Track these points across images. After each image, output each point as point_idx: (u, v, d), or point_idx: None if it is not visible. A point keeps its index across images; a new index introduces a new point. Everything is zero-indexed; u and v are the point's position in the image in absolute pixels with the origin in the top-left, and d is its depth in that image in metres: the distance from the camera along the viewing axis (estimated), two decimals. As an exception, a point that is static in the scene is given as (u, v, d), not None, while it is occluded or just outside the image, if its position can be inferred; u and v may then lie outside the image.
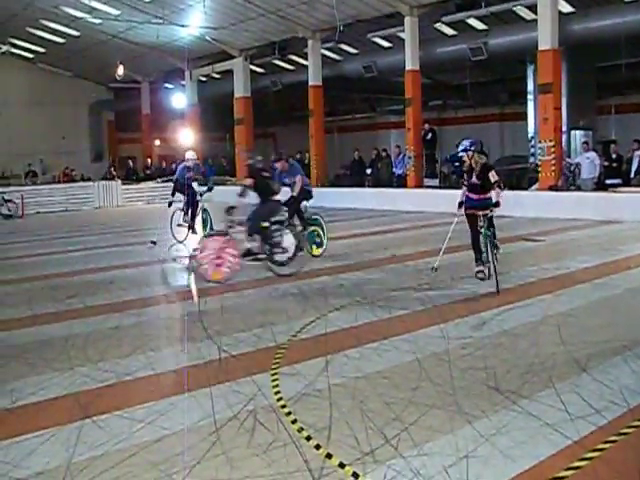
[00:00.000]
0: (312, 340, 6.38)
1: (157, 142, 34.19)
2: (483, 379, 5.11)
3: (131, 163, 32.31)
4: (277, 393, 4.92)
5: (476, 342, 6.12)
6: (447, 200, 18.94)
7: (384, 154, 24.40)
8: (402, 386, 5.01)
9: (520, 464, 3.73)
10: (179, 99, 30.83)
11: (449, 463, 3.76)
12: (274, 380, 5.21)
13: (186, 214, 13.32)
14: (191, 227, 13.28)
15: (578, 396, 4.69)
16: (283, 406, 4.66)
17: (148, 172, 30.95)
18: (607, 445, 3.94)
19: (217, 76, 30.57)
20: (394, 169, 22.81)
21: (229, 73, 28.04)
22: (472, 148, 8.47)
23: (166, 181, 24.86)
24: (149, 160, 32.71)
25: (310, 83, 24.14)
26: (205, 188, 13.64)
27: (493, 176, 8.32)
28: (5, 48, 26.64)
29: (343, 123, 32.66)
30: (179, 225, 13.36)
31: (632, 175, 17.72)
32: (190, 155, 13.58)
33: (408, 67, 20.86)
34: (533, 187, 18.36)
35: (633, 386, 4.87)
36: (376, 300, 7.93)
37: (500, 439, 4.05)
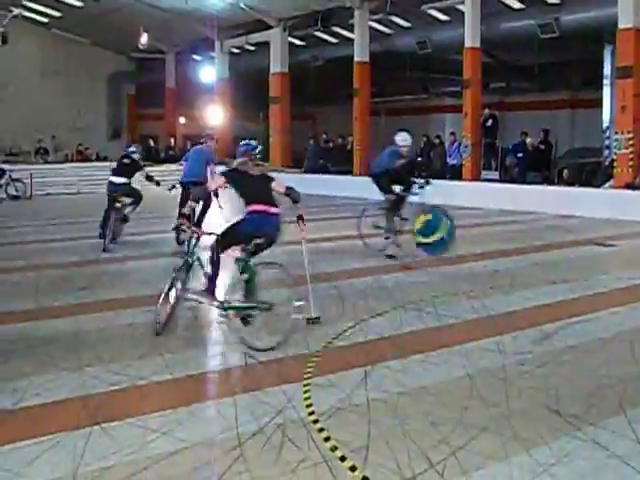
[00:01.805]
0: (350, 348, 6.38)
1: (182, 120, 34.44)
2: (543, 401, 5.05)
3: (152, 142, 32.58)
4: (309, 406, 4.93)
5: (537, 358, 6.05)
6: (508, 196, 19.04)
7: (437, 141, 24.26)
8: (450, 404, 4.98)
9: (583, 499, 3.68)
10: (208, 73, 31.04)
11: (502, 494, 3.74)
12: (306, 392, 5.21)
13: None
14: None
15: (653, 425, 4.61)
16: (315, 421, 4.67)
17: (171, 153, 31.17)
18: (684, 482, 3.88)
19: (251, 48, 30.69)
20: (448, 158, 22.69)
21: (265, 45, 28.11)
22: None
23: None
24: (172, 140, 32.98)
25: (356, 59, 24.09)
26: None
27: None
28: (17, 11, 26.97)
29: (392, 105, 32.49)
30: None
31: None
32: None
33: (467, 44, 20.70)
34: (607, 184, 18.09)
35: None
36: (424, 306, 7.89)
37: (561, 470, 4.00)
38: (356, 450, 4.23)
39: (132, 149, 13.47)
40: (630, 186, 17.11)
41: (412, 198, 11.23)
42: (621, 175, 17.46)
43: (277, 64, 27.21)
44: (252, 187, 6.85)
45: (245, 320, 6.50)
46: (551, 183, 19.80)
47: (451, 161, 22.37)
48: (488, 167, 22.31)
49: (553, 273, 9.75)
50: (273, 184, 6.92)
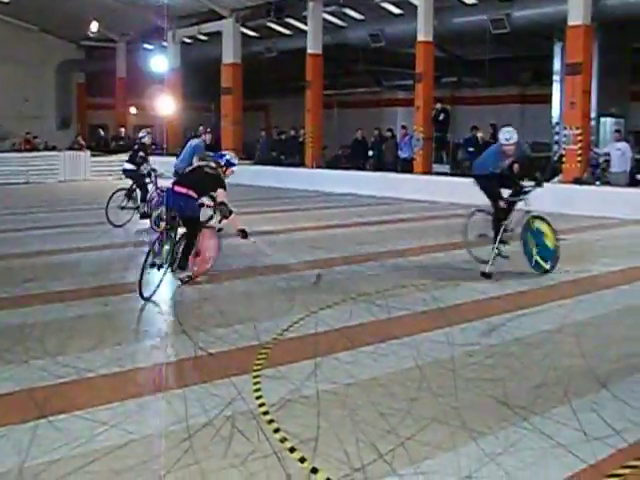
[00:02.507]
0: (300, 340, 6.40)
1: (133, 110, 34.05)
2: (491, 392, 5.13)
3: (102, 132, 32.12)
4: (259, 398, 4.93)
5: (484, 350, 6.14)
6: (459, 189, 19.17)
7: (389, 134, 24.40)
8: (399, 396, 5.03)
9: (528, 488, 3.76)
10: (159, 62, 30.68)
11: (449, 484, 3.79)
12: (256, 383, 5.21)
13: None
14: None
15: (596, 415, 4.72)
16: (265, 413, 4.67)
17: (121, 143, 30.82)
18: (626, 470, 3.97)
19: (204, 38, 30.44)
20: (399, 152, 22.82)
21: (218, 36, 27.92)
22: None
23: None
24: (122, 130, 32.60)
25: (309, 51, 24.08)
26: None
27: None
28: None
29: (344, 98, 32.57)
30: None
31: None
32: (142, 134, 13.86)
33: (420, 38, 20.84)
34: (555, 179, 18.39)
35: (657, 406, 4.92)
36: (374, 299, 7.95)
37: (507, 459, 4.07)
38: (305, 441, 4.25)
39: (142, 134, 13.91)
40: (578, 181, 17.43)
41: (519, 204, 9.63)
42: (570, 170, 17.78)
43: (229, 55, 27.04)
44: (194, 175, 8.58)
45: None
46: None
47: (402, 154, 22.48)
48: (439, 161, 22.50)
49: (501, 266, 9.88)
50: (219, 190, 8.13)
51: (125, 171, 13.70)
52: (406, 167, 21.79)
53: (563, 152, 18.29)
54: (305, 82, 24.49)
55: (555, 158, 19.83)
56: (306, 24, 24.44)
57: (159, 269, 7.93)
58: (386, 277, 9.24)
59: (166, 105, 28.82)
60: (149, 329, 6.94)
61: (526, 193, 9.49)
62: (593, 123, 19.17)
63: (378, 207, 18.07)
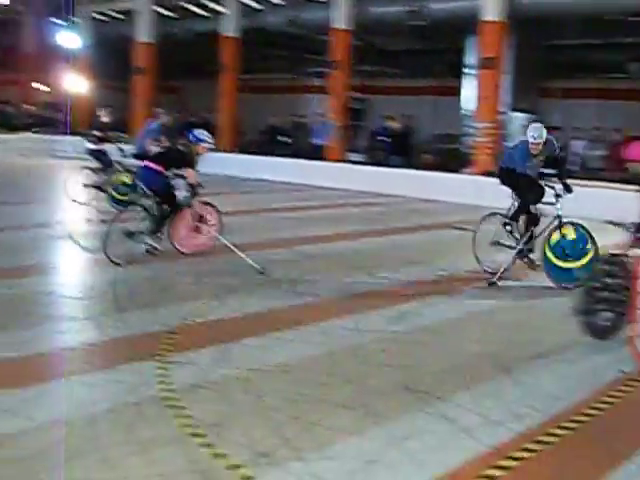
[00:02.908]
0: (207, 326, 6.36)
1: (40, 86, 33.03)
2: (397, 378, 5.23)
3: (7, 108, 31.09)
4: (164, 384, 4.88)
5: (392, 337, 6.24)
6: (373, 178, 19.41)
7: (304, 121, 24.44)
8: (307, 382, 5.07)
9: (429, 471, 3.84)
10: (69, 38, 29.82)
11: (353, 468, 3.84)
12: (161, 369, 5.16)
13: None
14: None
15: (497, 400, 4.86)
16: (169, 398, 4.63)
17: (31, 121, 29.94)
18: (524, 453, 4.11)
19: (118, 16, 29.72)
20: (314, 139, 22.88)
21: (132, 14, 27.32)
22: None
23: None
24: (27, 107, 31.62)
25: (225, 34, 23.87)
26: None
27: None
28: None
29: (260, 83, 32.40)
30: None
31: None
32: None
33: (337, 25, 20.91)
34: (466, 170, 18.79)
35: (556, 391, 5.10)
36: (283, 285, 7.97)
37: (410, 443, 4.16)
38: (210, 427, 4.23)
39: (100, 112, 13.98)
40: (489, 173, 17.81)
41: (544, 208, 8.74)
42: (481, 162, 18.17)
43: (143, 34, 26.51)
44: (164, 152, 9.59)
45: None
46: (413, 167, 20.34)
47: (317, 141, 22.56)
48: (354, 149, 22.65)
49: (412, 255, 10.07)
50: (188, 170, 8.74)
51: (87, 150, 13.54)
52: (320, 154, 21.87)
53: (475, 144, 18.65)
54: (220, 65, 24.23)
55: (466, 150, 20.22)
56: (223, 6, 24.17)
57: (131, 237, 8.54)
58: (296, 264, 9.26)
59: (76, 83, 28.09)
60: (54, 313, 6.75)
61: (559, 196, 8.47)
62: (504, 117, 19.63)
63: (292, 194, 18.08)
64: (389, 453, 4.02)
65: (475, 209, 15.65)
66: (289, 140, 23.76)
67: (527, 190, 8.65)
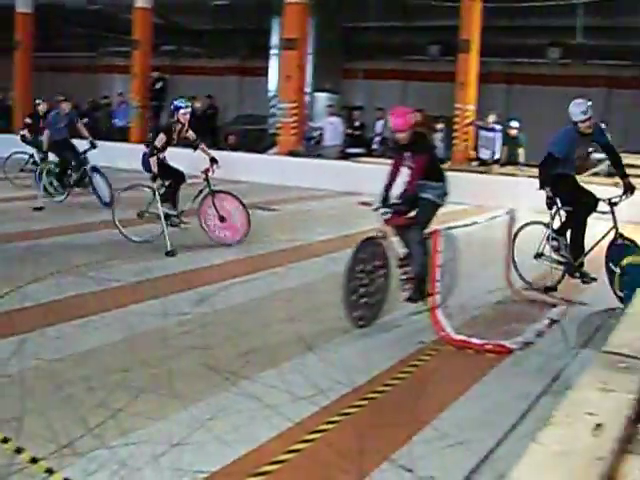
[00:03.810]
0: (4, 316, 6.11)
1: None
2: (202, 359, 5.26)
3: None
4: (-46, 379, 4.64)
5: (196, 319, 6.27)
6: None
7: (104, 102, 23.74)
8: (110, 368, 4.99)
9: (237, 449, 3.92)
10: None
11: (160, 452, 3.84)
12: (-49, 364, 4.90)
13: None
14: None
15: (303, 376, 5.01)
16: (-39, 395, 4.42)
17: None
18: (329, 426, 4.28)
19: None
20: (115, 120, 22.31)
21: None
22: None
23: None
24: None
25: (18, 9, 22.67)
26: None
27: None
28: None
29: (58, 62, 31.06)
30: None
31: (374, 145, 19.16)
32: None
33: (138, 4, 20.43)
34: (271, 151, 19.05)
35: (359, 365, 5.32)
36: (85, 271, 7.76)
37: (216, 423, 4.21)
38: (9, 421, 4.08)
39: (38, 101, 14.71)
40: (293, 153, 18.18)
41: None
42: (285, 142, 18.46)
43: None
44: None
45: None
46: (218, 148, 20.31)
47: (118, 123, 22.02)
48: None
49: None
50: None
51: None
52: (121, 135, 21.34)
53: (279, 125, 18.92)
54: (13, 42, 23.02)
55: (271, 130, 20.49)
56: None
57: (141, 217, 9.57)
58: (98, 248, 9.04)
59: None
60: None
61: (615, 204, 7.14)
62: (308, 98, 20.06)
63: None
64: (195, 435, 4.05)
65: (280, 189, 16.03)
66: (87, 121, 22.96)
67: (578, 197, 7.34)
